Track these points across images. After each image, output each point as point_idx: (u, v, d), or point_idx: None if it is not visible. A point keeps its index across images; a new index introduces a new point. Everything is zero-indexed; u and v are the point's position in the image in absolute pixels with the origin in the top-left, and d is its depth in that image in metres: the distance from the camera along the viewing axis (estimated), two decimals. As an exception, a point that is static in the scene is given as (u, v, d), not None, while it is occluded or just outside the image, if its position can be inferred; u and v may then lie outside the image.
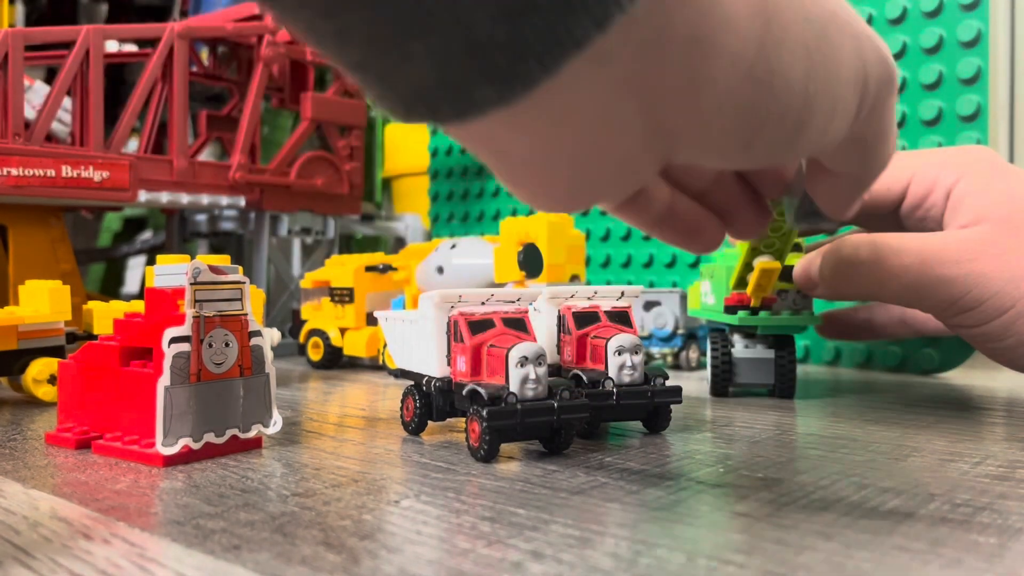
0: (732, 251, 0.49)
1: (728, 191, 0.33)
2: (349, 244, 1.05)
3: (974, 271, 0.40)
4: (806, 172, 0.31)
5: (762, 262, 0.44)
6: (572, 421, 0.33)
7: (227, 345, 0.33)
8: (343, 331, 0.65)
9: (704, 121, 0.22)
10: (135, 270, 1.16)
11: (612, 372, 0.36)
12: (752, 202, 0.33)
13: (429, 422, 0.37)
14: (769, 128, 0.23)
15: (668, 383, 0.37)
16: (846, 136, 0.26)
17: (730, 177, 0.33)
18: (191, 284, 0.32)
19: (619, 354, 0.36)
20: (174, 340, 0.32)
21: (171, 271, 0.35)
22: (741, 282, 0.46)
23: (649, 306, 0.64)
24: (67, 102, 0.68)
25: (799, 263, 0.45)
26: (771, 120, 0.23)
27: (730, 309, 0.47)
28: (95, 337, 0.45)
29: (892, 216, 0.47)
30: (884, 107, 0.26)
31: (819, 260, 0.44)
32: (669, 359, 0.64)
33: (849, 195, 0.30)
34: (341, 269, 0.65)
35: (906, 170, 0.45)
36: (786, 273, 0.46)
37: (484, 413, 0.31)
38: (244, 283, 0.34)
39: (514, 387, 0.32)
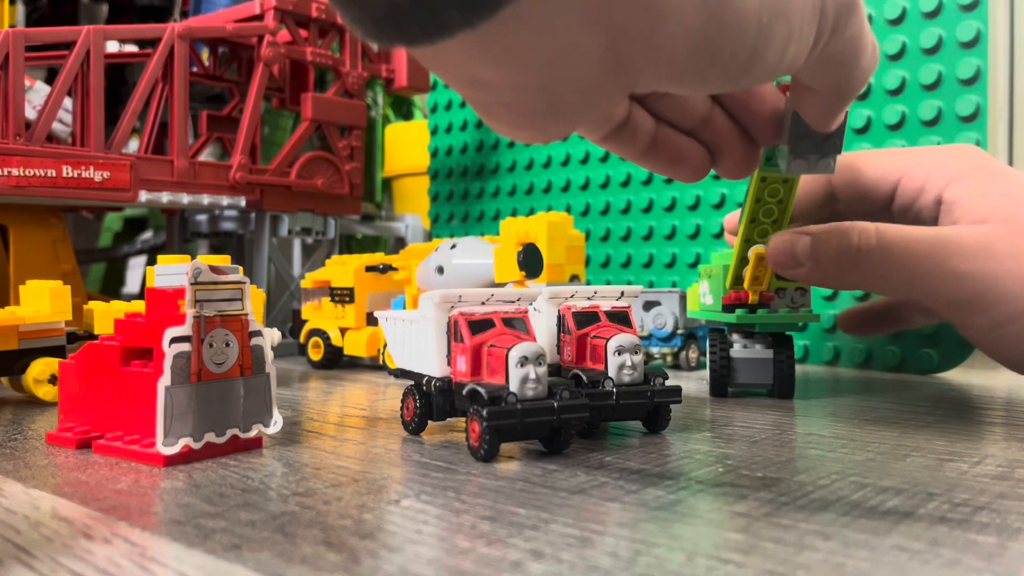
0: (729, 251, 0.49)
1: (718, 130, 0.34)
2: (349, 244, 1.05)
3: (988, 270, 0.38)
4: (791, 89, 0.32)
5: (756, 249, 0.44)
6: (572, 421, 0.33)
7: (228, 345, 0.33)
8: (343, 331, 0.65)
9: (661, 52, 0.24)
10: (136, 270, 1.16)
11: (612, 372, 0.36)
12: (742, 142, 0.34)
13: (429, 422, 0.37)
14: (724, 57, 0.24)
15: (668, 383, 0.37)
16: (819, 56, 0.27)
17: (720, 117, 0.34)
18: (191, 284, 0.32)
19: (619, 354, 0.36)
20: (175, 340, 0.32)
21: (172, 271, 0.35)
22: (737, 280, 0.47)
23: (649, 306, 0.64)
24: (68, 102, 0.68)
25: (776, 239, 0.43)
26: (725, 50, 0.24)
27: (728, 308, 0.47)
28: (96, 337, 0.45)
29: (884, 213, 0.46)
30: (848, 27, 0.27)
31: (806, 240, 0.41)
32: (669, 359, 0.64)
33: (831, 108, 0.31)
34: (341, 269, 0.65)
35: (894, 169, 0.44)
36: None
37: (484, 413, 0.31)
38: (244, 283, 0.34)
39: (514, 387, 0.32)
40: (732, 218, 0.51)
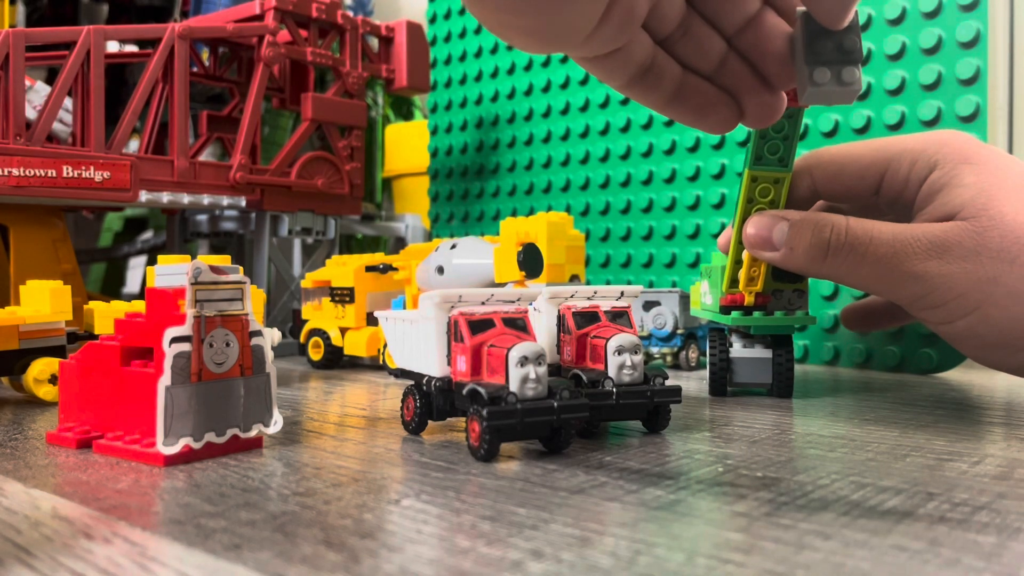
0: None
1: (736, 73, 0.35)
2: (349, 244, 1.05)
3: (940, 271, 0.40)
4: None
5: (750, 251, 0.44)
6: (572, 421, 0.33)
7: (228, 345, 0.33)
8: (343, 331, 0.65)
9: None
10: (136, 270, 1.16)
11: (612, 372, 0.36)
12: (761, 85, 0.35)
13: (429, 421, 0.37)
14: None
15: (667, 383, 0.37)
16: None
17: (735, 60, 0.35)
18: (192, 284, 0.32)
19: (619, 354, 0.36)
20: (175, 340, 0.32)
21: (172, 271, 0.35)
22: (733, 283, 0.47)
23: (649, 306, 0.64)
24: (68, 102, 0.68)
25: (752, 220, 0.43)
26: None
27: (725, 309, 0.47)
28: (96, 337, 0.45)
29: (872, 207, 0.46)
30: None
31: (784, 227, 0.42)
32: (668, 359, 0.64)
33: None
34: (341, 269, 0.65)
35: (878, 162, 0.44)
36: (780, 274, 0.46)
37: (484, 413, 0.31)
38: (245, 283, 0.34)
39: (514, 387, 0.32)
40: (725, 238, 0.51)
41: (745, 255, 0.45)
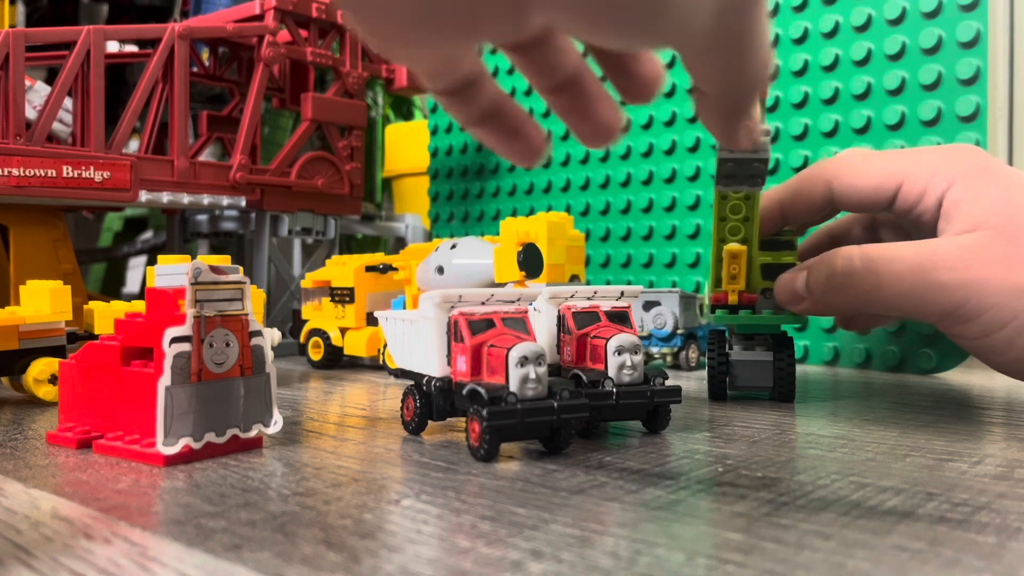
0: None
1: (585, 90, 0.31)
2: (349, 244, 1.05)
3: (972, 278, 0.39)
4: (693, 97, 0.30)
5: (729, 247, 0.44)
6: (572, 421, 0.33)
7: (228, 345, 0.33)
8: (343, 331, 0.65)
9: None
10: (136, 270, 1.16)
11: (612, 372, 0.36)
12: (606, 101, 0.31)
13: (429, 422, 0.37)
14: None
15: (667, 383, 0.37)
16: (707, 42, 0.25)
17: (590, 77, 0.31)
18: (192, 284, 0.32)
19: (619, 354, 0.36)
20: (175, 340, 0.32)
21: (172, 271, 0.35)
22: (719, 281, 0.46)
23: (648, 306, 0.64)
24: (68, 102, 0.68)
25: (781, 280, 0.44)
26: None
27: (712, 308, 0.47)
28: (96, 337, 0.45)
29: (885, 214, 0.46)
30: (744, 5, 0.25)
31: (803, 275, 0.43)
32: (668, 359, 0.64)
33: (727, 116, 0.30)
34: (341, 269, 0.65)
35: (896, 173, 0.44)
36: (771, 271, 0.46)
37: (484, 413, 0.31)
38: (245, 283, 0.34)
39: (514, 387, 0.32)
40: None
41: (724, 252, 0.44)
